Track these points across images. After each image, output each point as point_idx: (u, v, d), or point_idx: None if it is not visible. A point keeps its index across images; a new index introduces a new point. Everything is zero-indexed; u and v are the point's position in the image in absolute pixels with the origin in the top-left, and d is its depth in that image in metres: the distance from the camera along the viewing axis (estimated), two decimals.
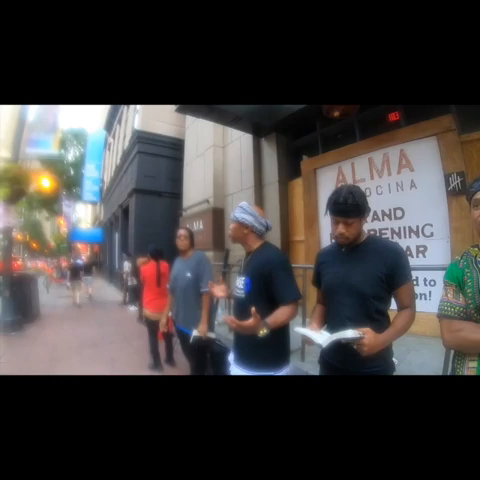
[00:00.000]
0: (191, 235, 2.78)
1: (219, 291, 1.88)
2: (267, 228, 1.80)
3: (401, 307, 1.36)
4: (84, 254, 22.17)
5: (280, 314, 1.59)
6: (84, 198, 18.82)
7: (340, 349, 1.28)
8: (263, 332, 1.47)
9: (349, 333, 1.19)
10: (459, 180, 3.28)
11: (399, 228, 3.83)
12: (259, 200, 5.71)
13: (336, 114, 4.06)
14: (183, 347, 2.81)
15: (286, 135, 5.55)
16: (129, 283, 8.17)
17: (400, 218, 3.82)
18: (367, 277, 1.33)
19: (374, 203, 3.95)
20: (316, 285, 1.61)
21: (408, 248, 3.68)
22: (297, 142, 5.50)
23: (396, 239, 3.77)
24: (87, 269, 9.74)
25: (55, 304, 8.90)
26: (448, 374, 1.32)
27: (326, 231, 4.53)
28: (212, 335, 2.60)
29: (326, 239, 4.51)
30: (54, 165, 18.30)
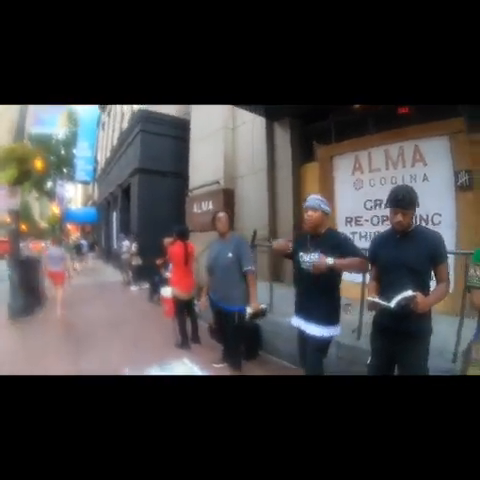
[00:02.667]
0: (230, 218, 2.98)
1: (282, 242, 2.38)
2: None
3: (439, 281, 1.82)
4: (74, 235, 21.87)
5: (350, 259, 2.08)
6: (77, 177, 18.48)
7: (395, 314, 1.72)
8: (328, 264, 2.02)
9: (409, 292, 1.66)
10: (467, 177, 3.61)
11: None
12: (271, 183, 5.88)
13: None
14: (221, 323, 3.04)
15: (299, 120, 5.65)
16: (133, 263, 8.32)
17: None
18: (417, 257, 1.77)
19: (389, 192, 4.21)
20: (373, 264, 2.03)
21: None
22: (310, 127, 5.60)
23: None
24: (91, 247, 10.76)
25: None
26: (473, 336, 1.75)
27: (341, 216, 4.75)
28: (263, 306, 2.93)
29: (341, 223, 4.73)
30: (44, 144, 17.79)
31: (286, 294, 3.93)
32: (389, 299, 1.72)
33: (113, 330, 4.55)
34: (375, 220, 4.37)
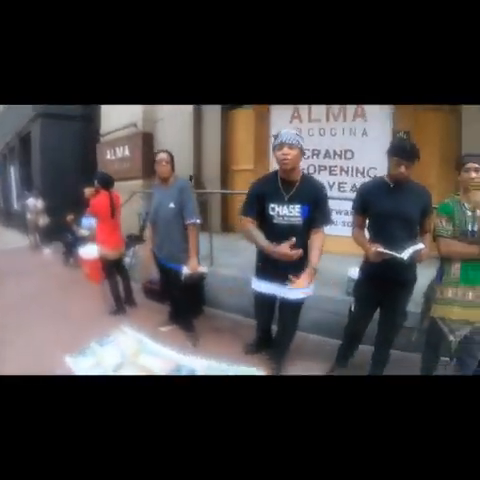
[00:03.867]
0: (172, 159, 2.52)
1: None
2: None
3: (426, 231, 1.93)
4: None
5: (320, 244, 1.93)
6: None
7: (386, 264, 1.75)
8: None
9: (420, 245, 1.74)
10: (405, 137, 3.72)
11: (348, 167, 4.18)
12: (198, 126, 5.46)
13: None
14: (166, 283, 2.68)
15: None
16: (40, 223, 7.26)
17: (350, 159, 4.15)
18: (415, 208, 1.85)
19: (328, 143, 4.21)
20: (359, 212, 1.99)
21: (354, 185, 4.11)
22: None
23: (344, 176, 4.19)
24: None
25: None
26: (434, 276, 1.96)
27: (275, 162, 4.52)
28: (203, 269, 2.55)
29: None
30: None
31: (225, 244, 3.73)
32: (397, 250, 1.71)
33: (33, 306, 3.67)
34: (311, 169, 4.32)
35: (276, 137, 1.90)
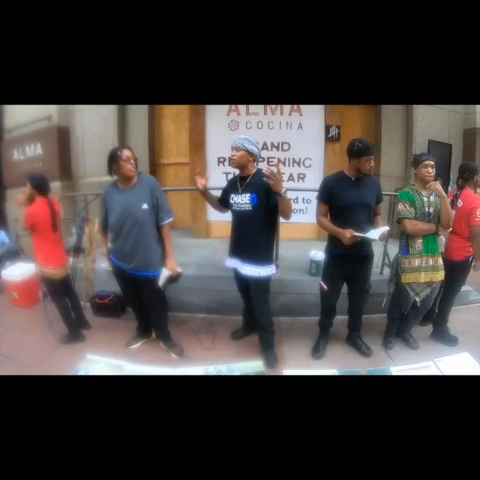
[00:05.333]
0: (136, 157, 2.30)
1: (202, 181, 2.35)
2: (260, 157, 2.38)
3: (378, 214, 2.40)
4: None
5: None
6: None
7: (357, 243, 2.14)
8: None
9: (386, 227, 2.23)
10: (337, 131, 4.27)
11: (285, 158, 4.44)
12: (122, 119, 5.02)
13: None
14: (140, 293, 2.47)
15: None
16: None
17: (286, 150, 4.41)
18: (372, 197, 2.28)
19: (265, 135, 4.36)
20: (325, 203, 2.32)
21: (291, 175, 4.43)
22: None
23: (281, 167, 4.33)
24: None
25: None
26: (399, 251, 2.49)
27: (212, 155, 4.54)
28: (180, 269, 2.46)
29: (214, 163, 4.53)
30: None
31: (177, 243, 3.58)
32: (362, 232, 2.12)
33: None
34: None
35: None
